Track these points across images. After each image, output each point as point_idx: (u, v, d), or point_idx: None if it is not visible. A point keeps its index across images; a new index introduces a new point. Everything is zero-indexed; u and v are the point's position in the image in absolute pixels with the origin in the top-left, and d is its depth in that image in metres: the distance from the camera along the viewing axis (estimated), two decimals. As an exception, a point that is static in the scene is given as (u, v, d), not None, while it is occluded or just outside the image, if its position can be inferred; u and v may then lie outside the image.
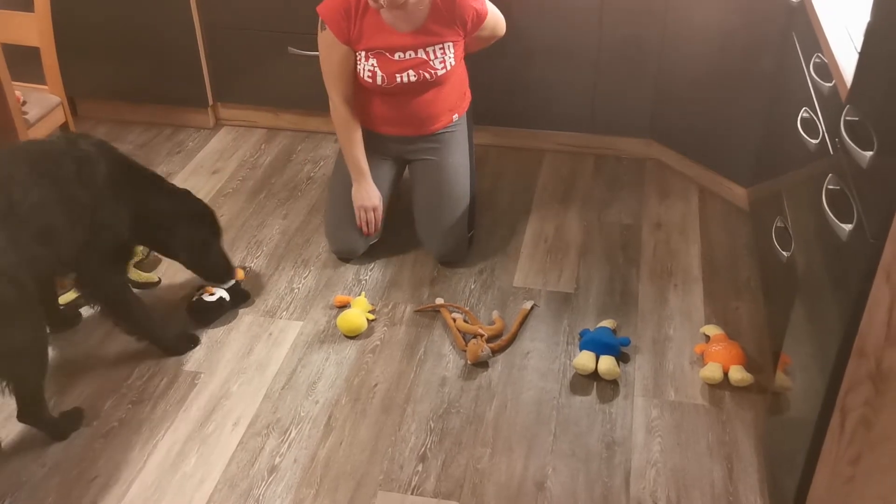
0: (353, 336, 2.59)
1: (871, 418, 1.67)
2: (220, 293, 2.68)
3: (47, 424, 2.27)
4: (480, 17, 2.69)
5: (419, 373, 2.48)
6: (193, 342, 2.57)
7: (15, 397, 2.18)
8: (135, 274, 2.79)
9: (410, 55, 2.64)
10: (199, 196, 2.63)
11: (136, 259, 2.82)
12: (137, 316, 2.48)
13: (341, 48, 2.64)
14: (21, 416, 2.23)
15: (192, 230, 2.53)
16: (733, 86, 3.00)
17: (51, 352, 2.53)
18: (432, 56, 2.65)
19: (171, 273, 2.83)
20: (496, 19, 2.79)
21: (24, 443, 2.26)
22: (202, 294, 2.67)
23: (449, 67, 2.68)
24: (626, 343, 2.53)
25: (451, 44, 2.67)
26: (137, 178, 2.44)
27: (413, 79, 2.66)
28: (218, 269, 2.62)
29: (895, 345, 1.58)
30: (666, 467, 2.19)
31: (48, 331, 2.23)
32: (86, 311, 2.70)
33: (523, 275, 2.85)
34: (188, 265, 2.61)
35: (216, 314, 2.66)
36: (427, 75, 2.67)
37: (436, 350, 2.55)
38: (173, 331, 2.58)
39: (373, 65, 2.64)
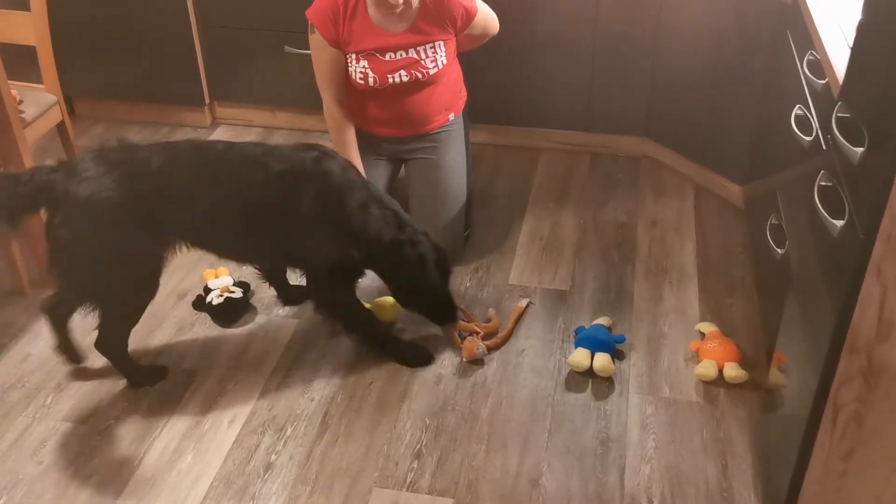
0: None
1: (863, 414, 1.67)
2: (235, 288, 2.71)
3: (121, 364, 2.42)
4: (470, 15, 2.69)
5: (414, 370, 2.48)
6: (429, 358, 2.52)
7: (98, 326, 2.35)
8: None
9: (401, 55, 2.65)
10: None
11: None
12: (360, 329, 2.48)
13: (331, 51, 2.65)
14: (97, 345, 2.39)
15: (420, 272, 2.42)
16: (728, 83, 3.01)
17: (45, 351, 2.54)
18: (423, 55, 2.66)
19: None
20: (487, 17, 2.80)
21: (21, 440, 2.27)
22: (213, 294, 2.68)
23: (441, 66, 2.69)
24: (621, 340, 2.54)
25: (441, 42, 2.68)
26: (361, 207, 2.34)
27: (405, 79, 2.67)
28: (442, 311, 2.52)
29: (886, 340, 1.59)
30: (660, 464, 2.19)
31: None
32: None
33: (519, 272, 2.86)
34: (406, 304, 2.54)
35: (243, 312, 2.69)
36: (419, 75, 2.67)
37: (431, 347, 2.55)
38: (405, 344, 2.55)
39: (364, 66, 2.65)
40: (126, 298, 2.35)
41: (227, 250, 2.48)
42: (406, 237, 2.39)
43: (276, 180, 2.29)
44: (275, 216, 2.31)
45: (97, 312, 2.32)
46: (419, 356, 2.52)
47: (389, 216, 2.38)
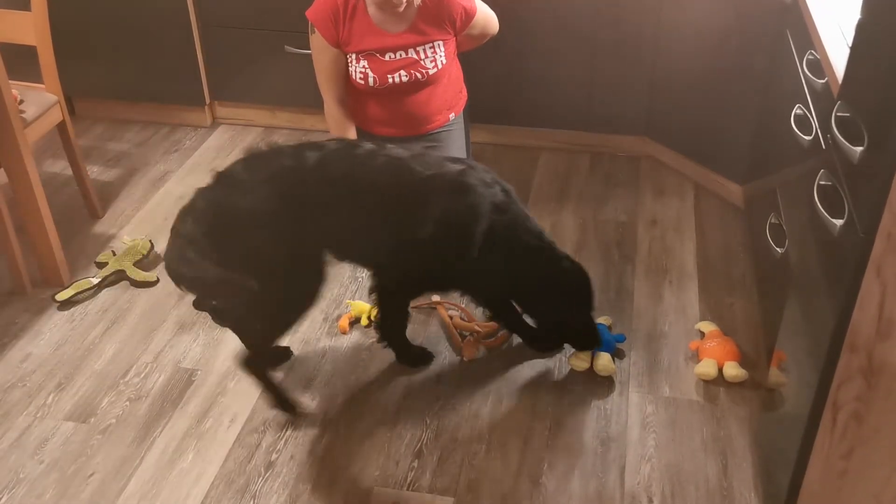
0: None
1: (863, 413, 1.68)
2: None
3: (263, 379, 2.35)
4: (469, 14, 2.70)
5: (415, 370, 2.48)
6: (429, 359, 2.52)
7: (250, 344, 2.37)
8: (132, 272, 2.80)
9: (401, 55, 2.65)
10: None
11: (137, 258, 2.84)
12: (388, 327, 2.46)
13: (331, 51, 2.65)
14: (242, 360, 2.34)
15: (560, 302, 2.34)
16: (728, 83, 3.01)
17: (46, 350, 2.55)
18: (423, 55, 2.66)
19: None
20: (486, 17, 2.80)
21: (22, 439, 2.27)
22: None
23: (440, 66, 2.69)
24: (622, 339, 2.54)
25: (441, 42, 2.68)
26: (490, 231, 2.23)
27: (405, 79, 2.67)
28: (585, 340, 2.45)
29: (886, 339, 1.59)
30: (661, 463, 2.20)
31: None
32: (86, 308, 2.71)
33: (519, 272, 2.86)
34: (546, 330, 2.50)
35: None
36: (419, 75, 2.67)
37: (432, 347, 2.55)
38: (414, 348, 2.53)
39: (364, 66, 2.65)
40: (275, 309, 2.26)
41: (375, 264, 2.38)
42: (544, 272, 2.28)
43: (419, 185, 2.20)
44: (408, 223, 2.20)
45: (254, 324, 2.30)
46: (419, 356, 2.52)
47: (517, 246, 2.26)
